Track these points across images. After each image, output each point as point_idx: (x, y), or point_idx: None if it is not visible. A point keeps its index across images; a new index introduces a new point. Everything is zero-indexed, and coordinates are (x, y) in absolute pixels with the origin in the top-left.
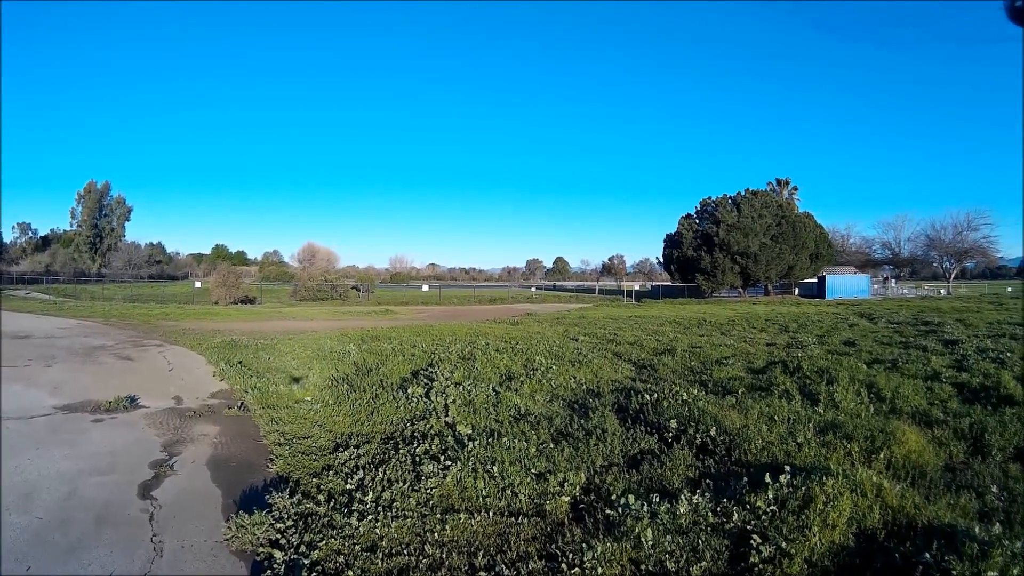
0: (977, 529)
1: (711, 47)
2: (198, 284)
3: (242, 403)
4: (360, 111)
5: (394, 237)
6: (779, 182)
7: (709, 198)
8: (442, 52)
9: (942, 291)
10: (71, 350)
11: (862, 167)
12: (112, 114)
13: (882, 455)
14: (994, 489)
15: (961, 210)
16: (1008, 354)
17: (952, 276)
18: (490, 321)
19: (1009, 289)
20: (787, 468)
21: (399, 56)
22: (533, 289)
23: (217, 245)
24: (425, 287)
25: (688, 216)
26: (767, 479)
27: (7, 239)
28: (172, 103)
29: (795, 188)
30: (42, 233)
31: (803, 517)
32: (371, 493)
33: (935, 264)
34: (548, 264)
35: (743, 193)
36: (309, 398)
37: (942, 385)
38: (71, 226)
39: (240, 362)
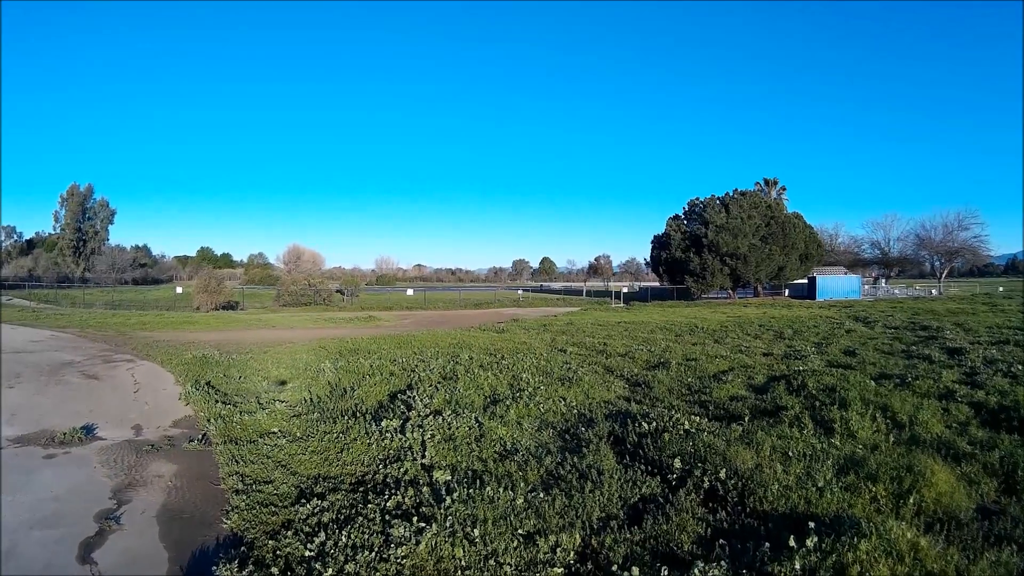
0: None
1: (699, 47)
2: (179, 290)
3: (204, 435)
4: (345, 112)
5: (380, 238)
6: (767, 182)
7: (697, 199)
8: (427, 53)
9: (933, 291)
10: (38, 367)
11: (850, 167)
12: (96, 115)
13: (911, 499)
14: None
15: (950, 210)
16: (1018, 366)
17: (943, 275)
18: (475, 328)
19: (1000, 288)
20: (811, 526)
21: (384, 57)
22: (520, 292)
23: (202, 248)
24: (410, 291)
25: (676, 217)
26: (791, 542)
27: None
28: (156, 104)
29: (783, 188)
30: (27, 236)
31: None
32: (331, 566)
33: (925, 263)
34: (535, 264)
35: (731, 194)
36: (276, 429)
37: (958, 406)
38: (54, 229)
39: (208, 383)
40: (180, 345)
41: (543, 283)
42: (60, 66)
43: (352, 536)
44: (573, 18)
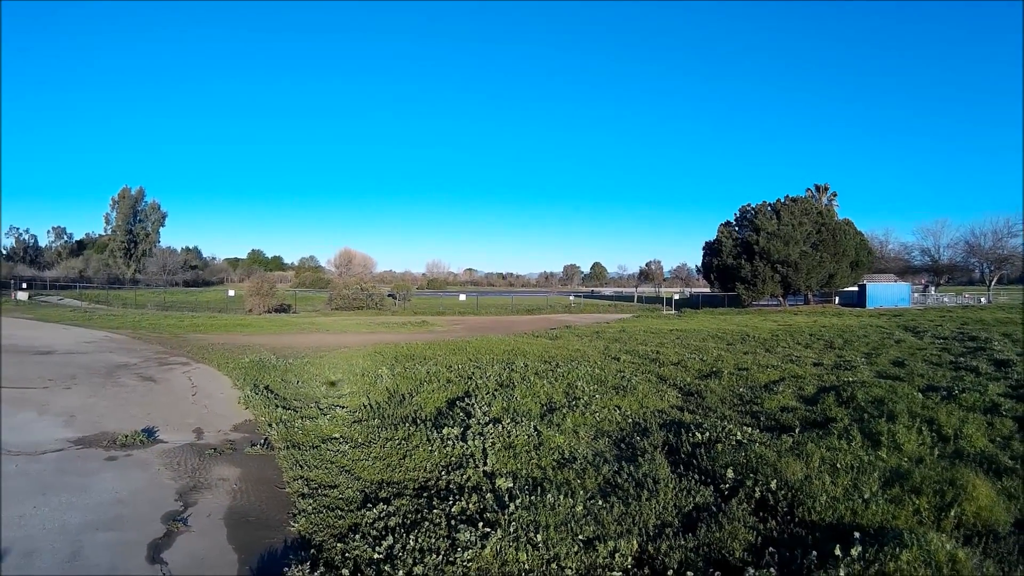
0: None
1: (750, 51)
2: (231, 292)
3: (265, 439)
4: (398, 117)
5: (431, 242)
6: (818, 188)
7: (748, 205)
8: (479, 58)
9: (982, 299)
10: (92, 369)
11: (901, 171)
12: (148, 118)
13: (952, 513)
14: None
15: (1000, 215)
16: None
17: (992, 283)
18: (528, 335)
19: None
20: (856, 536)
21: (438, 62)
22: (571, 298)
23: (253, 250)
24: (463, 296)
25: (727, 224)
26: (837, 551)
27: (43, 243)
28: (209, 108)
29: (834, 194)
30: (77, 237)
31: None
32: (401, 569)
33: (974, 271)
34: (585, 269)
35: (782, 200)
36: (338, 435)
37: (1003, 420)
38: (105, 231)
39: (267, 387)
40: (235, 348)
41: (594, 288)
42: (111, 68)
43: (419, 540)
44: (626, 23)
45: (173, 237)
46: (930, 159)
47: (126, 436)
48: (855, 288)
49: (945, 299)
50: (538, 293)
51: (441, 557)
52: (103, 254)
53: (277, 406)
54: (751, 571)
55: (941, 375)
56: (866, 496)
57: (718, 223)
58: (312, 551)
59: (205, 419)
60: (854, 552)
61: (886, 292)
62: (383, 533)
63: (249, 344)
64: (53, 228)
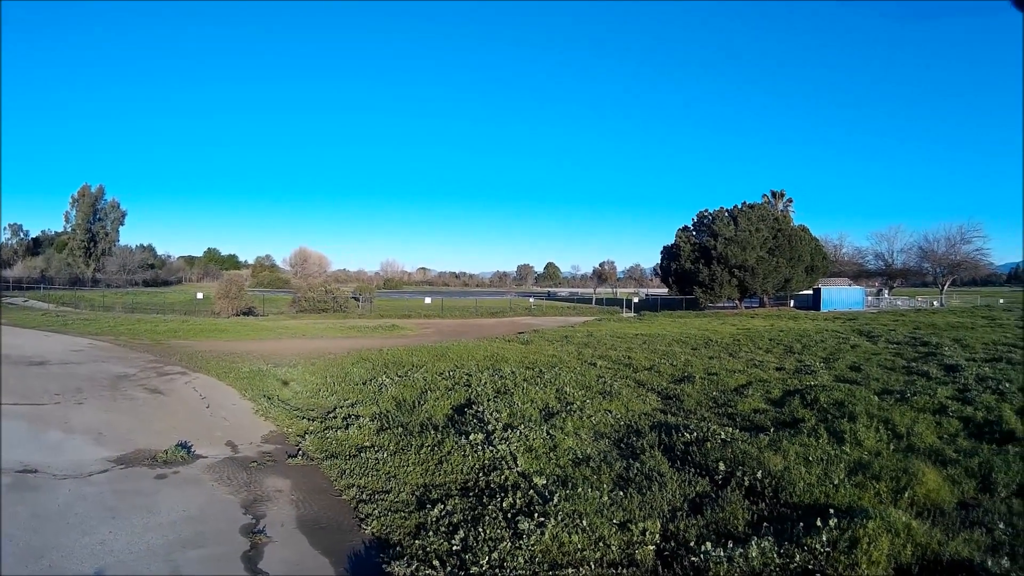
0: (990, 563)
1: (705, 55)
2: (200, 295)
3: (299, 450)
4: (350, 114)
5: (385, 240)
6: (774, 194)
7: (706, 210)
8: (431, 56)
9: (935, 302)
10: (95, 380)
11: (856, 178)
12: (102, 116)
13: (906, 495)
14: (1001, 525)
15: (953, 222)
16: (1007, 384)
17: (945, 286)
18: (500, 339)
19: (1001, 300)
20: (831, 511)
21: (388, 59)
22: (531, 300)
23: (208, 249)
24: (427, 299)
25: (685, 228)
26: (818, 523)
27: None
28: (162, 106)
29: (790, 200)
30: (33, 235)
31: (852, 555)
32: (482, 556)
33: (928, 275)
34: (539, 269)
35: (740, 206)
36: (369, 444)
37: (949, 419)
38: (65, 229)
39: (278, 397)
40: (225, 356)
41: (550, 289)
42: (66, 65)
43: (486, 531)
44: (580, 23)
45: (128, 235)
46: (885, 166)
47: (166, 452)
48: (810, 292)
49: (898, 302)
50: (496, 294)
51: (509, 543)
52: (63, 253)
53: (303, 418)
54: (755, 539)
55: (895, 379)
56: (835, 482)
57: (674, 225)
58: (394, 548)
59: (232, 432)
60: (831, 523)
61: (840, 296)
62: (452, 529)
63: (235, 351)
64: (9, 225)
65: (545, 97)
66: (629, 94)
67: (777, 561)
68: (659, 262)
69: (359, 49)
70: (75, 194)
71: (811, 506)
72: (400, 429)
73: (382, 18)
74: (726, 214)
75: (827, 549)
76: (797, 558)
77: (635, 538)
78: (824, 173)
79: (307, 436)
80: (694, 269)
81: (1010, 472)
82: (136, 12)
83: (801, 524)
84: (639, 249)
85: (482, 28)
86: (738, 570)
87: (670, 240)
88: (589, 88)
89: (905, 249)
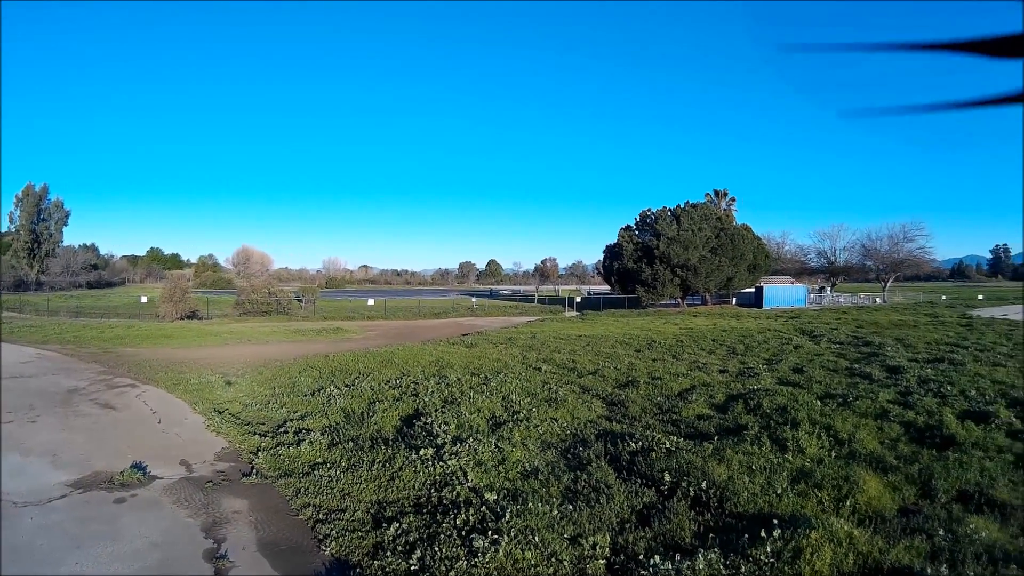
0: (930, 570)
1: (648, 53)
2: (144, 299)
3: (253, 468)
4: (291, 112)
5: (327, 238)
6: (717, 193)
7: (649, 210)
8: (373, 53)
9: (878, 299)
10: (46, 395)
11: (799, 176)
12: (43, 114)
13: (848, 502)
14: (941, 532)
15: (897, 221)
16: (948, 387)
17: (888, 283)
18: (445, 342)
19: (943, 297)
20: (775, 521)
21: (325, 55)
22: (473, 300)
23: (152, 248)
24: (371, 301)
25: (628, 227)
26: (763, 534)
27: None
28: (103, 103)
29: (732, 199)
30: None
31: (796, 566)
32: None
33: (871, 272)
34: (481, 266)
35: (683, 206)
36: (321, 460)
37: (891, 424)
38: (9, 229)
39: (228, 411)
40: (173, 365)
41: (492, 287)
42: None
43: (442, 550)
44: (522, 22)
45: (71, 235)
46: (828, 164)
47: (122, 474)
48: (752, 289)
49: (841, 299)
50: (439, 293)
51: (465, 562)
52: (7, 255)
53: (254, 433)
54: (702, 551)
55: (837, 381)
56: (779, 491)
57: (618, 221)
58: (354, 570)
59: (186, 450)
60: (775, 534)
61: (782, 293)
62: (409, 548)
63: (183, 360)
64: None
65: (486, 94)
66: (573, 92)
67: (724, 573)
68: (601, 261)
69: (291, 46)
70: (19, 193)
71: (756, 516)
72: (351, 444)
73: (318, 14)
74: (669, 213)
75: (771, 560)
76: (743, 569)
77: (586, 552)
78: (768, 172)
79: (260, 453)
80: (636, 268)
81: (950, 478)
82: (73, 9)
83: (746, 535)
84: (581, 246)
85: (420, 25)
86: None
87: (613, 237)
88: (531, 85)
89: (848, 247)
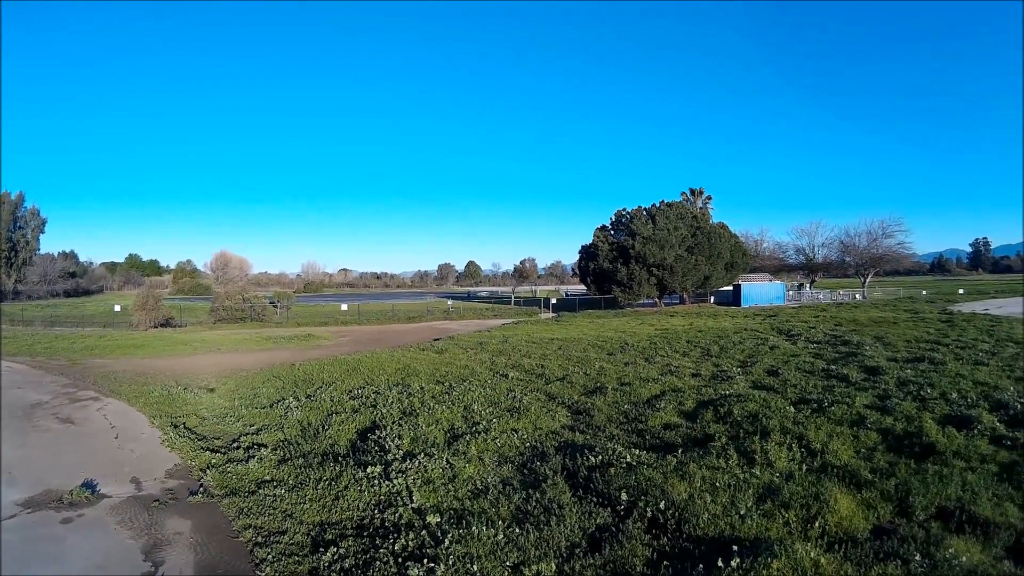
0: None
1: (627, 56)
2: (117, 308)
3: (202, 486)
4: (267, 116)
5: (305, 242)
6: (693, 192)
7: (624, 209)
8: (348, 54)
9: (857, 295)
10: (10, 410)
11: (776, 174)
12: (18, 118)
13: (817, 524)
14: (917, 557)
15: (875, 216)
16: (928, 389)
17: (867, 279)
18: (415, 348)
19: (924, 292)
20: (735, 549)
21: (299, 57)
22: (449, 302)
23: (130, 255)
24: (344, 306)
25: (603, 228)
26: (719, 563)
27: None
28: (77, 109)
29: (709, 197)
30: None
31: None
32: None
33: (850, 268)
34: (460, 268)
35: (658, 205)
36: (269, 477)
37: (868, 432)
38: None
39: (184, 425)
40: (138, 376)
41: (470, 289)
42: None
43: None
44: (499, 23)
45: (49, 242)
46: (805, 160)
47: (72, 494)
48: (730, 288)
49: (820, 296)
50: (416, 296)
51: None
52: None
53: (205, 449)
54: None
55: (813, 384)
56: (742, 512)
57: (596, 220)
58: None
59: (138, 466)
60: (733, 563)
61: (760, 291)
62: (342, 574)
63: (150, 371)
64: None
65: (463, 94)
66: (549, 92)
67: None
68: (577, 262)
69: (265, 46)
70: None
71: (716, 539)
72: (301, 460)
73: (291, 13)
74: (644, 213)
75: None
76: None
77: None
78: (744, 169)
79: (209, 470)
80: (612, 268)
81: (929, 494)
82: (42, 9)
83: (701, 565)
84: (560, 246)
85: (391, 25)
86: None
87: (591, 237)
88: (507, 86)
89: (826, 243)
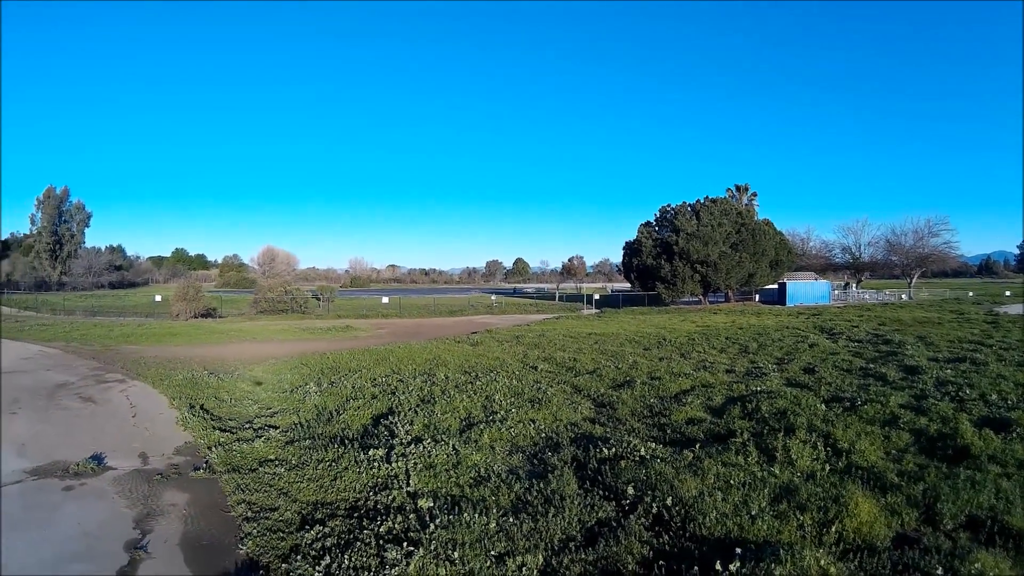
0: None
1: (673, 53)
2: (158, 298)
3: (207, 462)
4: (319, 113)
5: (354, 238)
6: (738, 188)
7: (668, 205)
8: (400, 54)
9: (903, 296)
10: (35, 391)
11: (822, 171)
12: (69, 116)
13: (834, 528)
14: (939, 571)
15: (921, 215)
16: (967, 390)
17: (913, 279)
18: (450, 340)
19: (971, 293)
20: (738, 552)
21: (356, 60)
22: (493, 297)
23: (177, 249)
24: (385, 299)
25: (648, 224)
26: (718, 566)
27: None
28: (129, 106)
29: (754, 194)
30: (2, 237)
31: None
32: None
33: (896, 268)
34: (508, 265)
35: (702, 201)
36: (273, 457)
37: (900, 433)
38: (30, 231)
39: (202, 407)
40: (168, 362)
41: (516, 285)
42: (33, 66)
43: (352, 559)
44: (548, 26)
45: (97, 237)
46: (852, 159)
47: (78, 465)
48: (775, 286)
49: (866, 296)
50: (462, 292)
51: (372, 573)
52: (28, 256)
53: (215, 428)
54: None
55: (848, 383)
56: (754, 512)
57: (642, 218)
58: (261, 572)
59: (148, 443)
60: (732, 567)
61: (806, 290)
62: (321, 553)
63: (180, 357)
64: None
65: (513, 96)
66: (599, 92)
67: None
68: (622, 258)
69: (320, 46)
70: (40, 196)
71: (721, 540)
72: (308, 442)
73: (337, 20)
74: (688, 209)
75: None
76: None
77: (509, 573)
78: (791, 167)
79: (215, 448)
80: (656, 265)
81: (959, 501)
82: (98, 11)
83: (697, 568)
84: (609, 244)
85: (447, 27)
86: None
87: (634, 238)
88: (557, 86)
89: (872, 242)
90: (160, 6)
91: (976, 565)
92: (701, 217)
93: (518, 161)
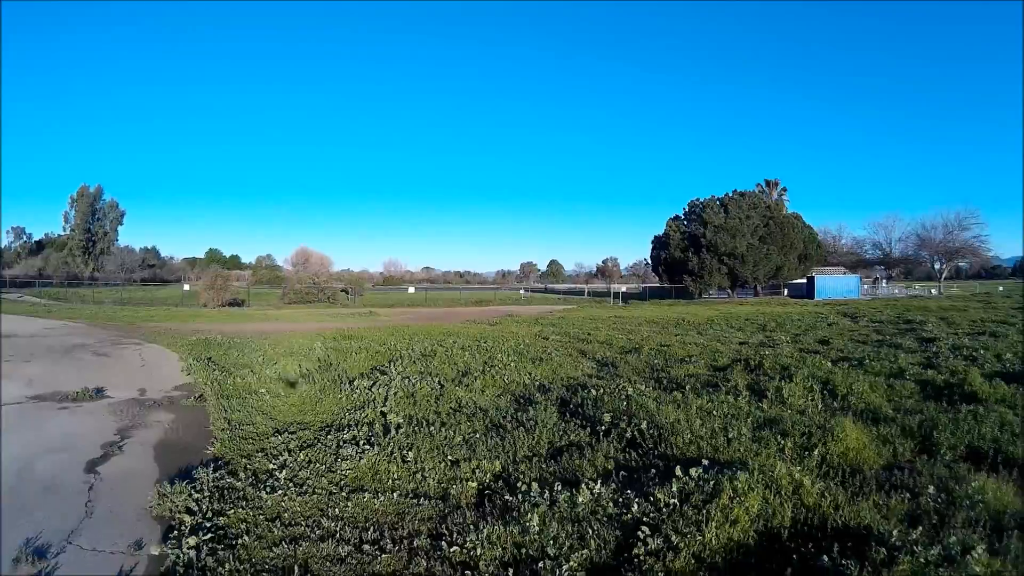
0: (895, 532)
1: (700, 49)
2: (187, 287)
3: (200, 394)
4: (353, 115)
5: (388, 240)
6: (768, 183)
7: (697, 199)
8: (434, 56)
9: (933, 291)
10: (52, 348)
11: (853, 167)
12: (105, 118)
13: (816, 452)
14: (931, 490)
15: (951, 210)
16: (982, 351)
17: (944, 276)
18: (470, 322)
19: (1001, 288)
20: (704, 463)
21: (389, 60)
22: (522, 292)
23: (210, 249)
24: (411, 289)
25: (676, 218)
26: (678, 472)
27: (2, 244)
28: (165, 106)
29: (784, 189)
30: (36, 237)
31: (704, 512)
32: (287, 471)
33: (926, 264)
34: (542, 267)
35: (731, 194)
36: (264, 390)
37: (905, 383)
38: (64, 230)
39: (209, 358)
40: (186, 333)
41: (548, 285)
42: (67, 66)
43: (309, 455)
44: (576, 24)
45: (132, 237)
46: (883, 155)
47: (77, 393)
48: (804, 280)
49: (896, 291)
50: (492, 289)
51: (325, 467)
52: (62, 253)
53: (216, 370)
54: (593, 484)
55: (862, 351)
56: (731, 436)
57: (668, 218)
58: (220, 464)
59: (150, 382)
60: (693, 472)
61: (835, 284)
62: (281, 452)
63: (200, 329)
64: (12, 228)
65: (545, 96)
66: (626, 90)
67: (610, 510)
68: (650, 252)
69: (358, 49)
70: (74, 194)
71: (692, 459)
72: (301, 379)
73: (377, 19)
74: (716, 202)
75: (674, 501)
76: (635, 508)
77: (461, 475)
78: (822, 163)
79: (211, 384)
80: (683, 258)
81: (958, 432)
82: (133, 12)
83: (654, 472)
84: (644, 245)
85: (478, 29)
86: (556, 514)
87: (663, 231)
88: (586, 85)
89: (903, 238)
90: (195, 6)
91: (973, 484)
92: (729, 210)
93: (555, 162)
